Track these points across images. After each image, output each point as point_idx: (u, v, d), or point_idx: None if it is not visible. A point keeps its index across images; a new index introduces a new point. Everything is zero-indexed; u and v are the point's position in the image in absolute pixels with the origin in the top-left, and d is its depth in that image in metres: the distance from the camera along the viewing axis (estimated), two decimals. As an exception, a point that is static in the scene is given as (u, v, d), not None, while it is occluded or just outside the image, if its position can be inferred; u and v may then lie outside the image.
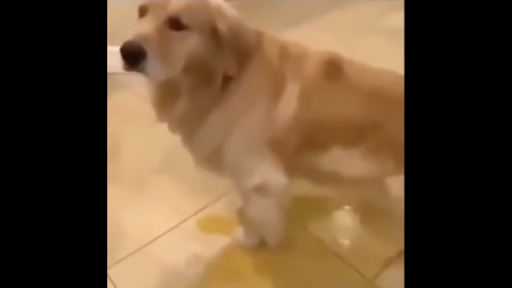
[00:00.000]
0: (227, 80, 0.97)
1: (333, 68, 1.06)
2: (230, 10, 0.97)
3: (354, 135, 1.03)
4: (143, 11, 0.91)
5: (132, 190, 1.55)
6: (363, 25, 2.49)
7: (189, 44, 0.90)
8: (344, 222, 1.42)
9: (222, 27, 0.92)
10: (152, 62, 0.85)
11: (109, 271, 1.27)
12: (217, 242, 1.35)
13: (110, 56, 1.13)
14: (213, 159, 1.11)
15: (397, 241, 1.22)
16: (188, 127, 1.05)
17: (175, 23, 0.88)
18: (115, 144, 1.72)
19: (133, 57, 0.85)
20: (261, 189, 1.11)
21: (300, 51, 1.07)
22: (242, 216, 1.34)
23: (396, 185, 1.01)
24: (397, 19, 2.28)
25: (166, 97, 1.01)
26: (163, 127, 1.10)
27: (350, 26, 2.47)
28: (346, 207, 1.44)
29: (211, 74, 0.95)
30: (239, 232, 1.33)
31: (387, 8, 2.54)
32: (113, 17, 1.22)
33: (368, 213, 1.40)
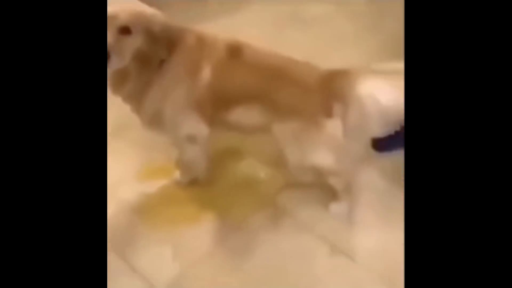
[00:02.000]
0: (161, 63, 1.41)
1: (235, 51, 1.46)
2: (159, 16, 1.40)
3: (248, 98, 1.45)
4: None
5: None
6: (283, 18, 2.85)
7: (135, 43, 1.34)
8: (252, 164, 1.89)
9: (155, 28, 1.36)
10: (113, 60, 1.29)
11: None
12: (161, 183, 1.78)
13: None
14: (155, 121, 1.53)
15: (285, 173, 1.70)
16: (136, 99, 1.48)
17: (124, 30, 1.31)
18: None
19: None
20: (190, 138, 1.56)
21: (212, 39, 1.49)
22: (178, 161, 1.77)
23: (276, 128, 1.47)
24: (313, 11, 2.71)
25: (118, 79, 1.42)
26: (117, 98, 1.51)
27: (272, 18, 2.83)
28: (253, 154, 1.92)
29: (150, 60, 1.39)
30: (177, 174, 1.77)
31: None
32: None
33: (268, 157, 1.87)
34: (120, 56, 1.32)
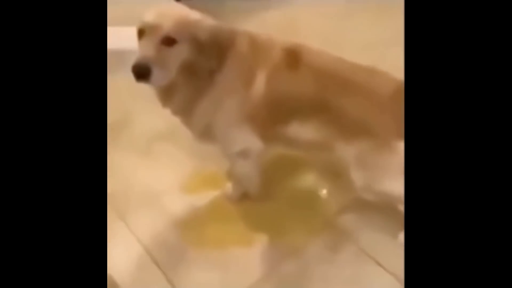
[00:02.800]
0: (211, 73, 1.24)
1: (293, 56, 1.28)
2: (206, 21, 1.22)
3: (308, 110, 1.27)
4: (141, 33, 1.17)
5: (141, 155, 1.85)
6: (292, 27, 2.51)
7: (181, 54, 1.18)
8: (310, 179, 1.72)
9: (202, 36, 1.19)
10: (156, 75, 1.13)
11: (125, 219, 1.60)
12: (210, 195, 1.66)
13: (121, 35, 1.39)
14: (206, 134, 1.39)
15: (348, 190, 1.50)
16: (185, 112, 1.33)
17: (168, 41, 1.15)
18: (126, 117, 2.01)
19: (142, 75, 1.12)
20: (243, 154, 1.42)
21: (267, 44, 1.31)
22: (229, 174, 1.64)
23: (340, 147, 1.28)
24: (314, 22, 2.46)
25: (166, 92, 1.28)
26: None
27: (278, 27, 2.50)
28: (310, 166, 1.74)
29: (198, 71, 1.22)
30: (227, 187, 1.64)
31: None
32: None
33: (328, 172, 1.70)
34: (164, 70, 1.16)
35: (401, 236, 1.45)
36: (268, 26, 2.43)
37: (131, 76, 1.13)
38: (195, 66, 1.21)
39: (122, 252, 1.49)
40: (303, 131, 1.32)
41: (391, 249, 1.44)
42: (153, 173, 1.77)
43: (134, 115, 2.04)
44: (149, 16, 1.16)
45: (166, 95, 1.30)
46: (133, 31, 1.19)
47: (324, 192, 1.66)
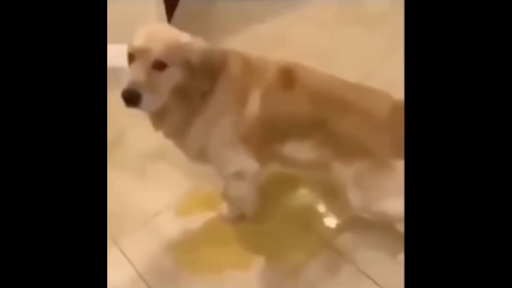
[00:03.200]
0: (204, 95, 1.22)
1: (288, 76, 1.26)
2: (197, 43, 1.20)
3: (304, 130, 1.25)
4: (131, 58, 1.14)
5: (134, 174, 1.82)
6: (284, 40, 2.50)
7: (172, 78, 1.15)
8: (307, 197, 1.70)
9: (193, 59, 1.16)
10: (146, 100, 1.11)
11: (118, 242, 1.56)
12: (205, 216, 1.62)
13: (113, 53, 1.38)
14: (200, 156, 1.37)
15: (346, 209, 1.49)
16: (178, 135, 1.31)
17: (158, 65, 1.12)
18: (119, 134, 1.98)
19: (132, 101, 1.10)
20: (238, 175, 1.38)
21: (260, 64, 1.29)
22: (224, 195, 1.59)
23: (337, 167, 1.27)
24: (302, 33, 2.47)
25: (158, 115, 1.25)
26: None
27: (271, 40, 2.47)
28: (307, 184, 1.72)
29: (191, 94, 1.20)
30: (223, 208, 1.60)
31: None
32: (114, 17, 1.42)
33: (325, 190, 1.68)
34: (155, 95, 1.13)
35: (400, 256, 1.43)
36: (261, 39, 2.43)
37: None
38: (187, 89, 1.19)
39: (115, 276, 1.45)
40: (299, 151, 1.30)
41: (388, 268, 1.42)
42: (147, 193, 1.74)
43: (128, 133, 2.01)
44: (139, 40, 1.13)
45: (158, 118, 1.27)
46: (125, 49, 1.17)
47: (321, 209, 1.64)
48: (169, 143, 1.40)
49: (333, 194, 1.57)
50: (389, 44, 2.35)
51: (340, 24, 2.60)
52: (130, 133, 2.01)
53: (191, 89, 1.19)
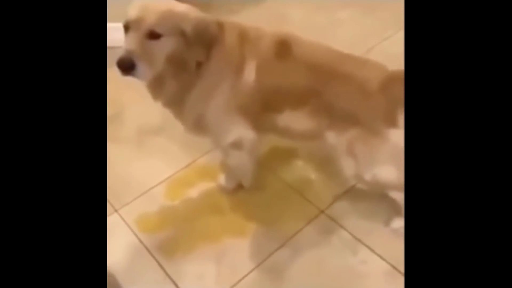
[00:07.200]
0: (200, 64, 1.24)
1: (283, 47, 1.28)
2: (192, 12, 1.21)
3: (298, 100, 1.28)
4: (126, 29, 1.16)
5: (134, 148, 1.85)
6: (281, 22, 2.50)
7: (166, 47, 1.17)
8: (303, 168, 1.73)
9: (187, 28, 1.17)
10: (140, 69, 1.13)
11: (120, 212, 1.61)
12: (204, 186, 1.67)
13: (113, 31, 1.41)
14: (198, 126, 1.39)
15: (341, 182, 1.57)
16: (176, 104, 1.33)
17: (152, 34, 1.14)
18: (119, 110, 2.02)
19: (126, 69, 1.12)
20: (236, 144, 1.40)
21: (256, 34, 1.30)
22: (222, 166, 1.64)
23: (330, 136, 1.30)
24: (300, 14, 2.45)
25: (156, 85, 1.27)
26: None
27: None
28: (302, 156, 1.76)
29: (186, 63, 1.22)
30: (221, 179, 1.64)
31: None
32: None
33: (320, 161, 1.72)
34: (149, 64, 1.16)
35: (394, 223, 1.47)
36: (257, 21, 2.41)
37: (121, 71, 1.13)
38: (183, 59, 1.21)
39: (117, 243, 1.49)
40: (294, 120, 1.33)
41: (383, 236, 1.47)
42: (147, 166, 1.78)
43: (127, 109, 2.05)
44: (133, 11, 1.15)
45: (156, 88, 1.29)
46: (118, 27, 1.20)
47: (315, 180, 1.68)
48: (167, 118, 1.44)
49: (328, 165, 1.61)
50: (387, 25, 2.37)
51: (338, 5, 2.60)
52: (129, 109, 2.05)
53: (186, 59, 1.21)
